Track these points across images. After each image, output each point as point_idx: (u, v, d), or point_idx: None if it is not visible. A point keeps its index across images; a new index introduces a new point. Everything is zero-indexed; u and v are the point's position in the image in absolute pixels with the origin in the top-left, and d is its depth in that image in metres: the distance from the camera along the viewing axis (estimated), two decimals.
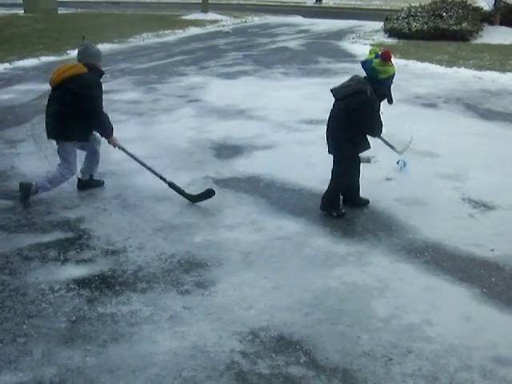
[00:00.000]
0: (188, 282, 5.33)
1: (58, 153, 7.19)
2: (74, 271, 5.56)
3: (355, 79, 6.71)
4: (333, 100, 6.78)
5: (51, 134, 7.11)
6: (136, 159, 7.41)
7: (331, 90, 6.78)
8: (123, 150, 7.35)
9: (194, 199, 7.14)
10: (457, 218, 6.76)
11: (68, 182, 7.38)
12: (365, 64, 6.59)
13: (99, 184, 7.72)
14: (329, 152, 6.83)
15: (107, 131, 7.20)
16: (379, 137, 7.05)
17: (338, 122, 6.63)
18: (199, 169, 8.36)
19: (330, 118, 6.77)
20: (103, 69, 7.34)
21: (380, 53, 6.51)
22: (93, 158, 7.53)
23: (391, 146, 7.72)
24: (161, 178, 7.30)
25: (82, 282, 5.36)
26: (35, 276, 5.48)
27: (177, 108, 11.87)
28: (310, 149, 9.21)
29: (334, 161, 6.86)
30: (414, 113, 11.40)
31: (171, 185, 7.24)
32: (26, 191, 7.03)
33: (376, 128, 6.72)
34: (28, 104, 12.24)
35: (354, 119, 6.47)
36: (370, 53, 6.61)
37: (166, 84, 14.44)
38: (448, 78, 15.12)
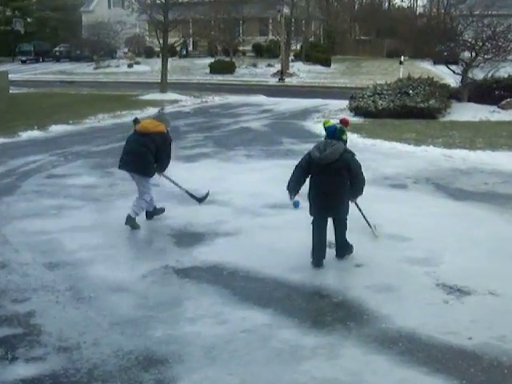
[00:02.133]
0: (147, 381, 5.24)
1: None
2: (23, 371, 5.45)
3: (328, 142, 7.80)
4: None
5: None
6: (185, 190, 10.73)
7: (314, 159, 7.74)
8: (169, 179, 10.58)
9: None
10: (431, 304, 6.79)
11: (17, 272, 7.32)
12: (331, 128, 7.91)
13: (162, 211, 10.39)
14: (324, 216, 7.94)
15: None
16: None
17: (337, 184, 7.74)
18: (158, 258, 8.33)
19: (322, 183, 7.77)
20: None
21: (339, 121, 8.15)
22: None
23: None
24: None
25: (31, 383, 5.24)
26: None
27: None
28: (274, 234, 9.27)
29: (333, 220, 8.03)
30: (382, 194, 11.52)
31: None
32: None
33: (363, 182, 7.92)
34: None
35: (348, 177, 7.74)
36: (326, 123, 8.12)
37: None
38: (417, 157, 15.39)
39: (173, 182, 10.73)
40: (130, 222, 9.69)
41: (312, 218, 8.07)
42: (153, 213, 10.25)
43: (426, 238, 8.99)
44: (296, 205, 9.67)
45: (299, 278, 7.53)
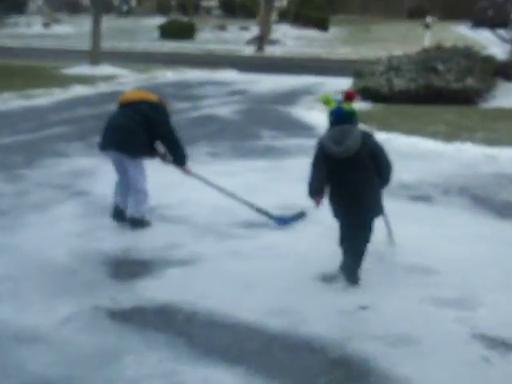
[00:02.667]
0: None
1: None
2: None
3: (343, 130, 8.10)
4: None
5: None
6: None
7: (333, 153, 8.04)
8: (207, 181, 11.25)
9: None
10: (465, 363, 6.80)
11: None
12: (339, 112, 8.18)
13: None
14: (355, 220, 8.38)
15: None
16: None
17: (365, 178, 8.28)
18: (86, 295, 8.33)
19: (346, 182, 8.20)
20: None
21: (343, 95, 8.35)
22: None
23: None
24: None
25: None
26: None
27: (53, 204, 11.87)
28: (247, 264, 9.33)
29: (354, 225, 8.44)
30: (399, 210, 11.49)
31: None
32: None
33: (391, 167, 8.70)
34: None
35: (374, 166, 8.32)
36: (328, 102, 8.29)
37: (38, 169, 14.47)
38: (447, 159, 15.49)
39: (216, 188, 11.29)
40: (139, 224, 10.64)
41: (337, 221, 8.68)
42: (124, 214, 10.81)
43: (460, 271, 9.05)
44: (281, 222, 9.75)
45: (282, 325, 7.53)
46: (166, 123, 10.57)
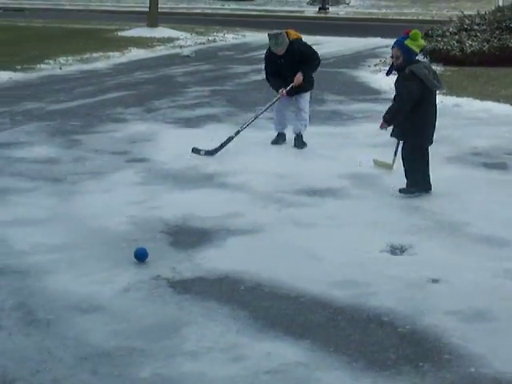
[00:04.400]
0: None
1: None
2: None
3: (430, 67, 11.00)
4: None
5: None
6: None
7: (436, 88, 10.59)
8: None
9: None
10: None
11: None
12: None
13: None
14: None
15: None
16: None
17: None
18: (146, 265, 8.35)
19: (434, 113, 10.63)
20: None
21: (406, 34, 10.53)
22: None
23: None
24: None
25: None
26: None
27: (111, 171, 11.90)
28: (311, 234, 9.31)
29: None
30: (471, 177, 11.48)
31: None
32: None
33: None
34: None
35: None
36: (418, 37, 10.50)
37: (96, 134, 14.54)
38: None
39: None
40: (302, 141, 13.61)
41: (415, 149, 10.58)
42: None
43: None
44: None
45: (348, 297, 7.50)
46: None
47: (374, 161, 11.88)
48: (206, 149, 12.45)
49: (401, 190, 10.49)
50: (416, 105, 10.16)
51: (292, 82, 13.06)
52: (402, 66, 10.26)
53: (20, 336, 6.78)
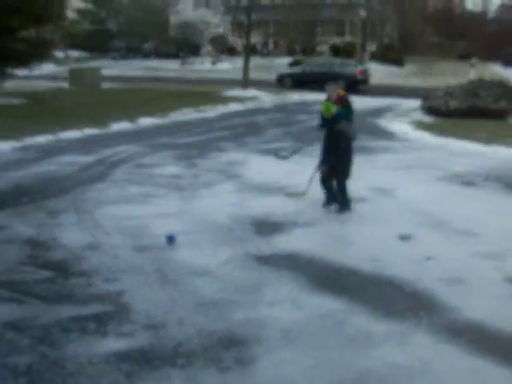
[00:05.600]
0: (228, 359, 5.30)
1: None
2: (114, 344, 5.58)
3: None
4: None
5: None
6: None
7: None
8: None
9: None
10: (499, 297, 6.70)
11: (109, 254, 7.58)
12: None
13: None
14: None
15: None
16: None
17: None
18: (239, 245, 8.37)
19: None
20: None
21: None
22: None
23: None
24: None
25: (121, 356, 5.37)
26: (74, 348, 5.51)
27: (217, 183, 11.96)
28: (348, 227, 9.30)
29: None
30: (453, 191, 11.36)
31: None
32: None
33: None
34: (70, 175, 12.40)
35: None
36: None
37: (207, 159, 14.59)
38: (487, 157, 15.05)
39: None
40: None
41: None
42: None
43: (495, 235, 8.81)
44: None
45: (372, 268, 7.49)
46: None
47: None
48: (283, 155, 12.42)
49: None
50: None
51: None
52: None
53: (158, 290, 6.87)
